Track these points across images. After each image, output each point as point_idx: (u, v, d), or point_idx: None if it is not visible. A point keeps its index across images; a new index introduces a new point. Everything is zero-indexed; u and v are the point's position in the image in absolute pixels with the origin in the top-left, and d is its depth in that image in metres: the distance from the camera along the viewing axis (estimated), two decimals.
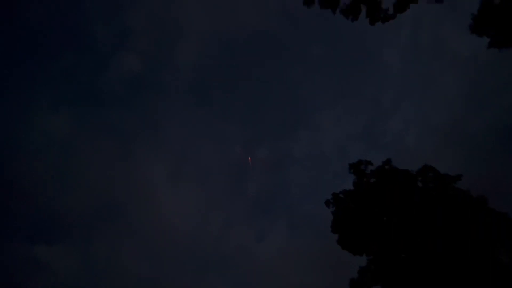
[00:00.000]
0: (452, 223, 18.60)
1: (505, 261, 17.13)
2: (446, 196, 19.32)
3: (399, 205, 21.02)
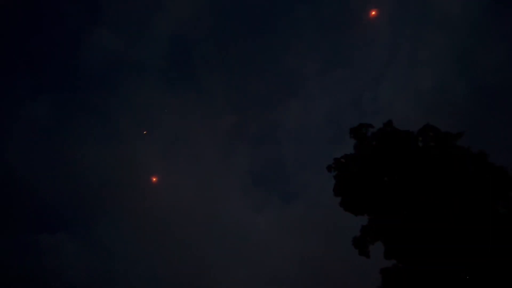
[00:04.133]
0: (453, 178, 19.24)
1: (502, 212, 18.06)
2: (447, 154, 19.82)
3: (400, 165, 21.49)
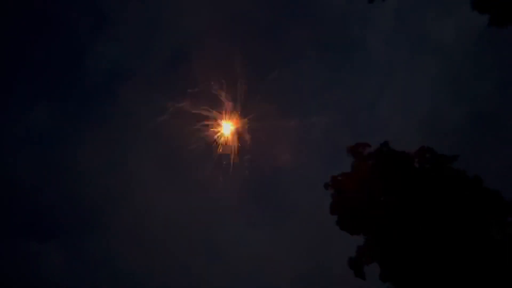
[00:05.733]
0: (448, 202, 19.32)
1: (496, 238, 18.07)
2: (443, 176, 19.98)
3: (397, 185, 21.59)
